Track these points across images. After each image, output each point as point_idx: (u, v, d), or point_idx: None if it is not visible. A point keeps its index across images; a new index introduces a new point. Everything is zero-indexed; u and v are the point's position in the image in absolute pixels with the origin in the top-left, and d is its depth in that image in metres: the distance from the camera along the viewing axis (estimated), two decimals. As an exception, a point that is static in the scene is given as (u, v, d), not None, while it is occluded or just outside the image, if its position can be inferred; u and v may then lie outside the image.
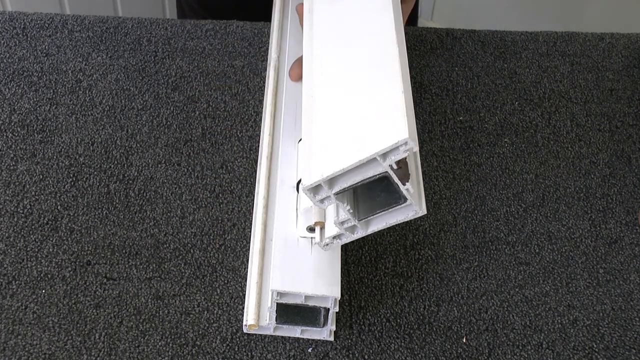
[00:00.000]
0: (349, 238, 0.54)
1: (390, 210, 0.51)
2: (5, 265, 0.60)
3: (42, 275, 0.60)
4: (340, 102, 0.52)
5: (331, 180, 0.49)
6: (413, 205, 0.49)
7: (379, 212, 0.51)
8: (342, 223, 0.52)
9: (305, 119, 0.53)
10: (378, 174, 0.47)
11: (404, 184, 0.47)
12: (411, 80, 0.78)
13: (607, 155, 0.73)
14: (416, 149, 0.46)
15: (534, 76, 0.80)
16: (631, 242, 0.66)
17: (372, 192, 0.52)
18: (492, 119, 0.75)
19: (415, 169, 0.51)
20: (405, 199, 0.49)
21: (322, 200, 0.51)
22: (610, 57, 0.83)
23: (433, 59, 0.81)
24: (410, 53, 0.81)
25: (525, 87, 0.79)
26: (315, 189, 0.50)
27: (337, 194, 0.49)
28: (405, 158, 0.47)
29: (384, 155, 0.46)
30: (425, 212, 0.50)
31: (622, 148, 0.74)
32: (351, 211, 0.51)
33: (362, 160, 0.47)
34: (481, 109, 0.76)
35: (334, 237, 0.54)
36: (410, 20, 1.08)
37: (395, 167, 0.47)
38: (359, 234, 0.53)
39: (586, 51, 0.83)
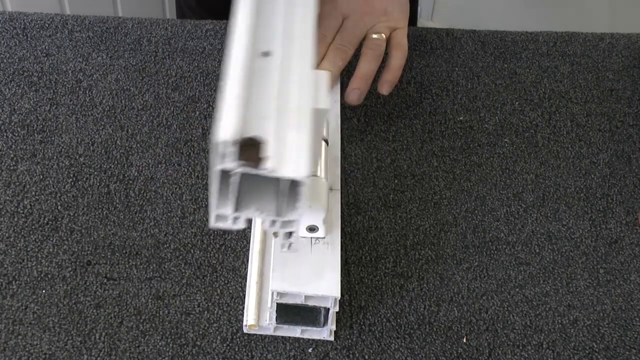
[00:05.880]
0: (292, 227, 0.47)
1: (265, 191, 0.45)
2: (5, 266, 0.60)
3: (42, 275, 0.60)
4: None
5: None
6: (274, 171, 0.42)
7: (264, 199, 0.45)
8: (273, 223, 0.47)
9: None
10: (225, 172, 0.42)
11: (259, 168, 0.41)
12: (411, 80, 0.78)
13: (607, 155, 0.73)
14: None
15: (534, 76, 0.80)
16: (631, 242, 0.66)
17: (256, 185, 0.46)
18: (492, 119, 0.75)
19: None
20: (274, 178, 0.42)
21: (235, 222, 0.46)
22: (610, 57, 0.83)
23: (433, 59, 0.81)
24: (411, 53, 0.81)
25: (526, 87, 0.79)
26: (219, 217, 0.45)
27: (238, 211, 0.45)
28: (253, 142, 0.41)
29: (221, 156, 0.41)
30: (306, 174, 0.41)
31: (622, 148, 0.74)
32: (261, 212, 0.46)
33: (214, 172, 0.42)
34: (481, 109, 0.76)
35: (285, 237, 0.50)
36: (410, 21, 1.08)
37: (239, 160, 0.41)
38: (291, 216, 0.46)
39: (586, 51, 0.83)
